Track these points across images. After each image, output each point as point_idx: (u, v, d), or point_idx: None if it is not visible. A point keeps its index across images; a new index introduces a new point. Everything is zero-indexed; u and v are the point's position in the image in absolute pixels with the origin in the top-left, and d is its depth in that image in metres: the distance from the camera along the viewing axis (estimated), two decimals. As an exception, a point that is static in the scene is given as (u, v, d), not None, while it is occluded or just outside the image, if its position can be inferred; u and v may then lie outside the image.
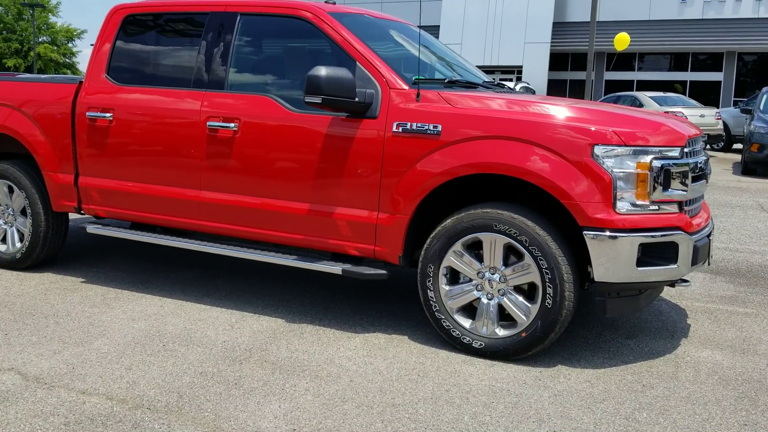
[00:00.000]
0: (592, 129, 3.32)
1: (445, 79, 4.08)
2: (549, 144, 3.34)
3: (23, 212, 4.98)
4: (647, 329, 4.11)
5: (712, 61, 30.11)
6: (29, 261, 4.97)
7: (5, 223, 5.07)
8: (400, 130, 3.62)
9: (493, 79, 4.79)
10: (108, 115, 4.42)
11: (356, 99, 3.63)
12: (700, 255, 3.52)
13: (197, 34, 4.30)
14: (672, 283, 3.60)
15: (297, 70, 4.05)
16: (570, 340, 3.87)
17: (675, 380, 3.37)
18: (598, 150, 3.28)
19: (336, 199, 3.81)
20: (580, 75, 28.57)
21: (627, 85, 30.67)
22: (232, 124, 4.02)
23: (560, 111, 3.51)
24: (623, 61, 30.75)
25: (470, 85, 4.24)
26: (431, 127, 3.55)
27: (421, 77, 3.84)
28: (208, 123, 4.09)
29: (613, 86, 30.36)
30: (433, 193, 3.62)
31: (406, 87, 3.71)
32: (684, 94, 27.86)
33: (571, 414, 2.99)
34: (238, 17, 4.20)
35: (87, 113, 4.50)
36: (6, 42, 50.01)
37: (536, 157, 3.35)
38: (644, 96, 18.55)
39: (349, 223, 3.79)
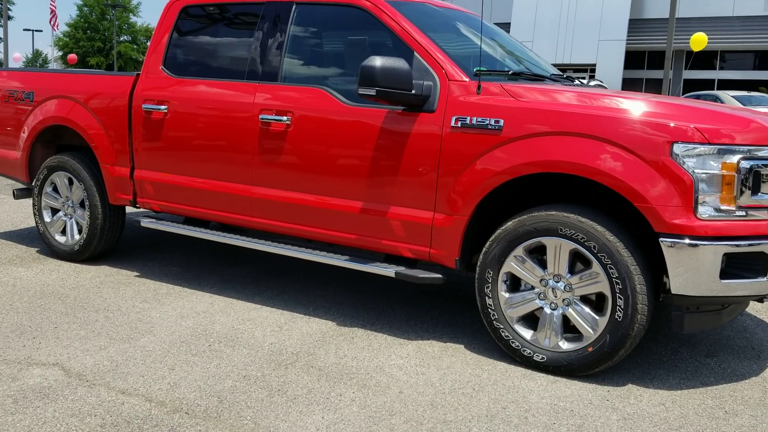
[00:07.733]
0: (671, 125, 3.00)
1: (509, 71, 3.80)
2: (622, 141, 3.03)
3: (82, 204, 4.99)
4: (730, 347, 3.74)
5: (804, 58, 28.49)
6: (87, 253, 4.97)
7: (65, 215, 5.08)
8: (459, 125, 3.38)
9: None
10: (163, 107, 4.35)
11: (413, 91, 3.41)
12: (794, 267, 3.14)
13: (252, 24, 4.17)
14: (761, 298, 3.23)
15: (353, 62, 3.86)
16: (642, 356, 3.54)
17: (763, 407, 3.01)
18: (678, 148, 2.95)
19: (390, 198, 3.60)
20: (656, 74, 27.48)
21: (707, 84, 29.31)
22: (284, 117, 3.87)
23: (636, 105, 3.19)
24: (703, 59, 29.39)
25: (537, 78, 3.95)
26: (492, 122, 3.30)
27: (483, 69, 3.59)
28: (260, 116, 3.95)
29: (692, 86, 29.05)
30: (494, 193, 3.37)
31: (466, 79, 3.47)
32: (771, 94, 26.41)
33: (642, 441, 2.70)
34: (294, 7, 4.05)
35: (143, 106, 4.43)
36: (90, 41, 52.34)
37: (608, 156, 3.05)
38: (726, 95, 17.58)
39: (404, 223, 3.58)
